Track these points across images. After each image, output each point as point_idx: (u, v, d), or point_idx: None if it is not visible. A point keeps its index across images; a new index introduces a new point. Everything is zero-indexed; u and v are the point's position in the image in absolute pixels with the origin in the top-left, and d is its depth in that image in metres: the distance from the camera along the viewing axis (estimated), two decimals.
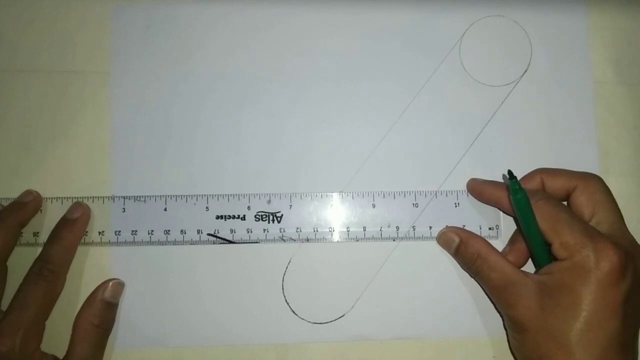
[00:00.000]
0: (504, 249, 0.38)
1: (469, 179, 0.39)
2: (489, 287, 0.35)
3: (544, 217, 0.33)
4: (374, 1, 0.41)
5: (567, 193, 0.36)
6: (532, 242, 0.34)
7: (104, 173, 0.39)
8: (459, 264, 0.37)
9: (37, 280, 0.34)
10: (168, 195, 0.38)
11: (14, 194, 0.38)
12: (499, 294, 0.34)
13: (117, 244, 0.38)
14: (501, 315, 0.37)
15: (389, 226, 0.38)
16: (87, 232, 0.38)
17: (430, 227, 0.38)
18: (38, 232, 0.38)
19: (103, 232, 0.38)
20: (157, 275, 0.38)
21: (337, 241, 0.38)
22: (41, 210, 0.38)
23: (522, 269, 0.36)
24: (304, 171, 0.39)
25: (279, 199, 0.38)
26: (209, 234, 0.38)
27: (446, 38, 0.40)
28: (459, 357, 0.38)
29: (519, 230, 0.37)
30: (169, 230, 0.38)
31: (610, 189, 0.35)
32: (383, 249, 0.38)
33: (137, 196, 0.38)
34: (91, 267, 0.38)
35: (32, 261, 0.35)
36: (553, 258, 0.34)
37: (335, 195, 0.39)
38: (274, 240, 0.38)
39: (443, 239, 0.38)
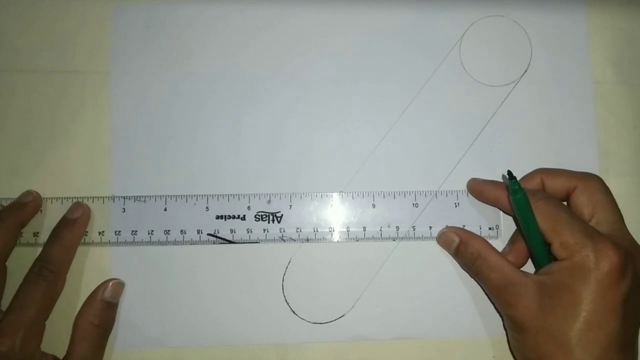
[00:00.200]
0: (504, 249, 0.38)
1: (469, 179, 0.39)
2: (489, 287, 0.35)
3: (544, 217, 0.33)
4: (374, 1, 0.41)
5: (567, 193, 0.36)
6: (531, 242, 0.34)
7: (104, 173, 0.39)
8: (459, 264, 0.37)
9: (37, 280, 0.34)
10: (168, 195, 0.38)
11: (14, 194, 0.38)
12: (498, 294, 0.34)
13: (117, 244, 0.38)
14: (501, 316, 0.37)
15: (389, 226, 0.38)
16: (87, 232, 0.38)
17: (430, 227, 0.38)
18: (38, 232, 0.38)
19: (103, 232, 0.38)
20: (157, 275, 0.38)
21: (337, 241, 0.38)
22: (41, 211, 0.38)
23: (522, 269, 0.36)
24: (304, 171, 0.39)
25: (279, 199, 0.38)
26: (209, 234, 0.38)
27: (446, 38, 0.40)
28: (459, 357, 0.38)
29: (519, 230, 0.37)
30: (169, 230, 0.38)
31: (610, 189, 0.35)
32: (383, 249, 0.38)
33: (137, 196, 0.38)
34: (91, 267, 0.38)
35: (32, 261, 0.35)
36: (553, 258, 0.34)
37: (335, 195, 0.39)
38: (274, 240, 0.38)
39: (443, 239, 0.38)
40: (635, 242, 0.34)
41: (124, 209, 0.38)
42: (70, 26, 0.40)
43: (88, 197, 0.38)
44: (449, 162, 0.39)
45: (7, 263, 0.36)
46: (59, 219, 0.37)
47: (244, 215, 0.38)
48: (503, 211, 0.38)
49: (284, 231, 0.38)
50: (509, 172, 0.33)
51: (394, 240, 0.38)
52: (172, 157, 0.39)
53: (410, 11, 0.41)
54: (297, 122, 0.40)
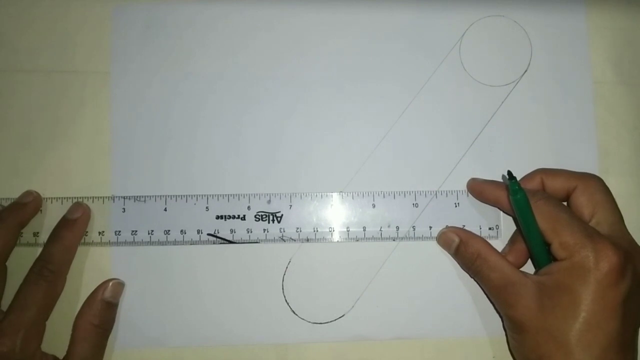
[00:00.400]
0: (504, 249, 0.38)
1: (469, 179, 0.39)
2: (489, 287, 0.35)
3: (544, 217, 0.33)
4: (374, 1, 0.41)
5: (567, 193, 0.36)
6: (531, 242, 0.34)
7: (104, 173, 0.39)
8: (459, 264, 0.37)
9: (38, 280, 0.34)
10: (168, 195, 0.38)
11: (14, 194, 0.38)
12: (498, 294, 0.34)
13: (117, 244, 0.38)
14: (501, 316, 0.37)
15: (389, 226, 0.38)
16: (87, 232, 0.38)
17: (430, 227, 0.38)
18: (38, 233, 0.38)
19: (103, 232, 0.38)
20: (157, 275, 0.38)
21: (337, 241, 0.38)
22: (41, 211, 0.38)
23: (522, 269, 0.36)
24: (304, 171, 0.39)
25: (279, 199, 0.38)
26: (209, 234, 0.38)
27: (446, 38, 0.40)
28: (459, 357, 0.38)
29: (519, 230, 0.37)
30: (169, 231, 0.38)
31: (610, 189, 0.35)
32: (383, 249, 0.38)
33: (137, 196, 0.38)
34: (91, 267, 0.38)
35: (32, 261, 0.35)
36: (552, 258, 0.34)
37: (335, 195, 0.39)
38: (274, 240, 0.38)
39: (443, 239, 0.38)
40: (635, 243, 0.34)
41: (124, 209, 0.38)
42: (70, 26, 0.40)
43: (88, 197, 0.38)
44: (449, 162, 0.39)
45: (7, 263, 0.36)
46: (59, 219, 0.37)
47: (244, 215, 0.38)
48: (503, 211, 0.38)
49: (284, 231, 0.38)
50: (509, 172, 0.33)
51: (394, 240, 0.38)
52: (172, 157, 0.39)
53: (410, 11, 0.41)
54: (297, 122, 0.40)
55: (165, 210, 0.38)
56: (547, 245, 0.34)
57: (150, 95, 0.40)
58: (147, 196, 0.38)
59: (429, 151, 0.39)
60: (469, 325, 0.38)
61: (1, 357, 0.32)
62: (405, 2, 0.41)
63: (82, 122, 0.39)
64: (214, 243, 0.38)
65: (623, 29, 0.41)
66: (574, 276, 0.31)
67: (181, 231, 0.38)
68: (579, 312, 0.31)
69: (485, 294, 0.37)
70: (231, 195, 0.38)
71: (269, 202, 0.38)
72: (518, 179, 0.34)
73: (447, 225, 0.38)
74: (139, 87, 0.40)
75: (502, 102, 0.40)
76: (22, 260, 0.36)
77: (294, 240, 0.38)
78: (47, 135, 0.39)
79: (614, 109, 0.40)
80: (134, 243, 0.38)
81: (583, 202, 0.35)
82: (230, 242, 0.38)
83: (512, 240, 0.38)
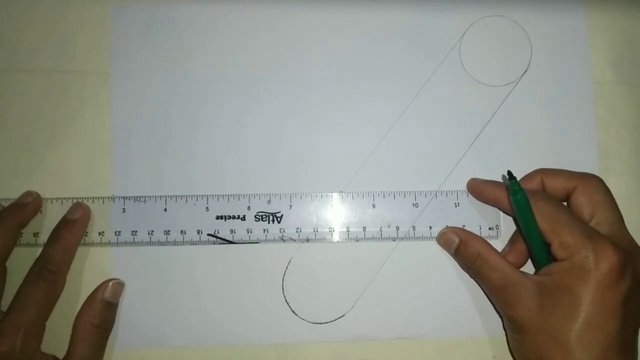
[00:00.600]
0: (504, 249, 0.38)
1: (469, 179, 0.39)
2: (489, 287, 0.35)
3: (544, 217, 0.33)
4: (374, 1, 0.41)
5: (567, 193, 0.36)
6: (531, 242, 0.34)
7: (104, 173, 0.39)
8: (459, 264, 0.37)
9: (37, 280, 0.34)
10: (168, 196, 0.38)
11: (14, 194, 0.38)
12: (498, 295, 0.34)
13: (117, 244, 0.38)
14: (501, 316, 0.37)
15: (389, 226, 0.38)
16: (87, 232, 0.38)
17: (430, 227, 0.38)
18: (38, 233, 0.38)
19: (103, 232, 0.38)
20: (157, 276, 0.38)
21: (337, 241, 0.38)
22: (41, 211, 0.38)
23: (522, 269, 0.36)
24: (304, 171, 0.39)
25: (279, 199, 0.38)
26: (209, 235, 0.38)
27: (446, 38, 0.40)
28: (459, 357, 0.38)
29: (519, 231, 0.37)
30: (169, 231, 0.38)
31: (610, 189, 0.35)
32: (383, 249, 0.38)
33: (137, 196, 0.38)
34: (91, 268, 0.38)
35: (32, 262, 0.35)
36: (552, 258, 0.34)
37: (335, 195, 0.39)
38: (274, 240, 0.38)
39: (443, 239, 0.38)
40: (635, 243, 0.34)
41: (124, 209, 0.38)
42: (70, 26, 0.40)
43: (88, 198, 0.38)
44: (449, 162, 0.39)
45: (7, 263, 0.36)
46: (59, 220, 0.37)
47: (244, 216, 0.38)
48: (503, 211, 0.38)
49: (284, 231, 0.38)
50: (509, 172, 0.33)
51: (394, 240, 0.38)
52: (172, 157, 0.39)
53: (410, 11, 0.41)
54: (297, 122, 0.40)
55: (165, 210, 0.38)
56: (547, 245, 0.34)
57: (150, 95, 0.40)
58: (147, 196, 0.38)
59: (429, 151, 0.39)
60: (469, 325, 0.38)
61: (1, 357, 0.32)
62: (405, 2, 0.41)
63: (82, 122, 0.39)
64: (214, 243, 0.38)
65: (623, 29, 0.41)
66: (574, 276, 0.31)
67: (181, 231, 0.38)
68: (579, 313, 0.31)
69: (485, 294, 0.37)
70: (231, 195, 0.38)
71: (269, 202, 0.38)
72: (518, 179, 0.34)
73: (447, 225, 0.38)
74: (139, 87, 0.40)
75: (502, 102, 0.40)
76: (22, 261, 0.36)
77: (294, 241, 0.38)
78: (47, 135, 0.39)
79: (614, 109, 0.40)
80: (134, 243, 0.38)
81: (583, 202, 0.35)
82: (230, 242, 0.38)
83: (512, 240, 0.38)
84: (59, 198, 0.38)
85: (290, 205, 0.38)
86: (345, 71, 0.40)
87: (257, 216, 0.38)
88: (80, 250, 0.37)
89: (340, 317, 0.38)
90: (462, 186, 0.39)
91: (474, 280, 0.37)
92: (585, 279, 0.31)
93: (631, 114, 0.40)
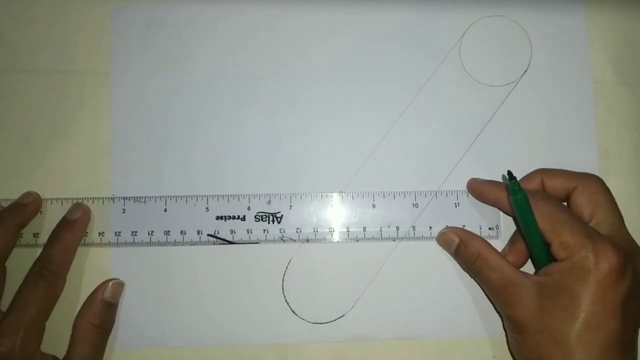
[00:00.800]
0: (504, 249, 0.38)
1: (469, 179, 0.39)
2: (489, 287, 0.35)
3: (544, 217, 0.33)
4: (374, 1, 0.41)
5: (567, 193, 0.36)
6: (531, 242, 0.34)
7: (104, 173, 0.39)
8: (459, 264, 0.37)
9: (37, 280, 0.34)
10: (168, 196, 0.38)
11: (14, 194, 0.38)
12: (498, 295, 0.34)
13: (117, 244, 0.38)
14: (501, 316, 0.37)
15: (389, 226, 0.38)
16: (87, 233, 0.38)
17: (430, 227, 0.38)
18: (38, 233, 0.38)
19: (103, 233, 0.38)
20: (157, 276, 0.38)
21: (337, 241, 0.38)
22: (41, 211, 0.38)
23: (522, 269, 0.36)
24: (304, 171, 0.39)
25: (279, 199, 0.38)
26: (209, 235, 0.38)
27: (446, 38, 0.40)
28: (459, 357, 0.38)
29: (519, 231, 0.37)
30: (169, 231, 0.38)
31: (610, 189, 0.35)
32: (383, 249, 0.38)
33: (137, 197, 0.38)
34: (91, 268, 0.38)
35: (32, 262, 0.35)
36: (552, 258, 0.34)
37: (335, 195, 0.39)
38: (274, 240, 0.38)
39: (443, 239, 0.38)
40: (635, 243, 0.34)
41: (124, 209, 0.38)
42: (70, 26, 0.40)
43: (88, 198, 0.38)
44: (449, 162, 0.39)
45: (7, 263, 0.36)
46: (59, 220, 0.37)
47: (244, 216, 0.38)
48: (503, 211, 0.38)
49: (284, 231, 0.38)
50: (509, 172, 0.33)
51: (394, 240, 0.38)
52: (172, 157, 0.39)
53: (410, 11, 0.41)
54: (297, 122, 0.40)
55: (165, 210, 0.38)
56: (547, 245, 0.34)
57: (150, 95, 0.40)
58: (147, 197, 0.38)
59: (429, 151, 0.39)
60: (469, 325, 0.38)
61: (1, 357, 0.32)
62: (405, 2, 0.41)
63: (82, 122, 0.39)
64: (214, 244, 0.38)
65: (623, 29, 0.41)
66: (574, 276, 0.31)
67: (181, 232, 0.38)
68: (578, 313, 0.31)
69: (485, 294, 0.37)
70: (231, 195, 0.38)
71: (269, 202, 0.38)
72: (518, 179, 0.34)
73: (447, 226, 0.38)
74: (139, 87, 0.40)
75: (502, 102, 0.40)
76: (22, 261, 0.36)
77: (294, 241, 0.38)
78: (47, 135, 0.39)
79: (614, 109, 0.40)
80: (134, 244, 0.38)
81: (583, 202, 0.35)
82: (230, 242, 0.38)
83: (512, 240, 0.38)
84: (59, 198, 0.38)
85: (290, 206, 0.38)
86: (345, 71, 0.40)
87: (257, 216, 0.38)
88: (80, 250, 0.37)
89: (340, 317, 0.38)
90: (462, 186, 0.39)
91: (474, 280, 0.37)
92: (585, 279, 0.31)
93: (631, 114, 0.40)
